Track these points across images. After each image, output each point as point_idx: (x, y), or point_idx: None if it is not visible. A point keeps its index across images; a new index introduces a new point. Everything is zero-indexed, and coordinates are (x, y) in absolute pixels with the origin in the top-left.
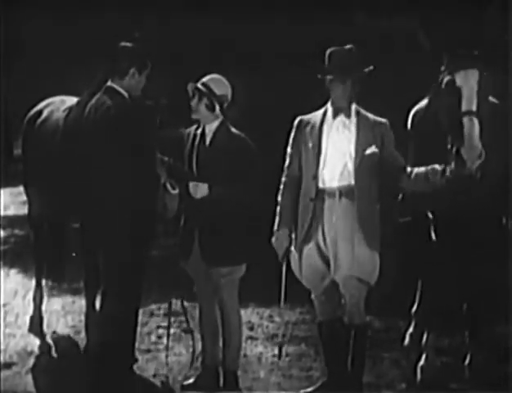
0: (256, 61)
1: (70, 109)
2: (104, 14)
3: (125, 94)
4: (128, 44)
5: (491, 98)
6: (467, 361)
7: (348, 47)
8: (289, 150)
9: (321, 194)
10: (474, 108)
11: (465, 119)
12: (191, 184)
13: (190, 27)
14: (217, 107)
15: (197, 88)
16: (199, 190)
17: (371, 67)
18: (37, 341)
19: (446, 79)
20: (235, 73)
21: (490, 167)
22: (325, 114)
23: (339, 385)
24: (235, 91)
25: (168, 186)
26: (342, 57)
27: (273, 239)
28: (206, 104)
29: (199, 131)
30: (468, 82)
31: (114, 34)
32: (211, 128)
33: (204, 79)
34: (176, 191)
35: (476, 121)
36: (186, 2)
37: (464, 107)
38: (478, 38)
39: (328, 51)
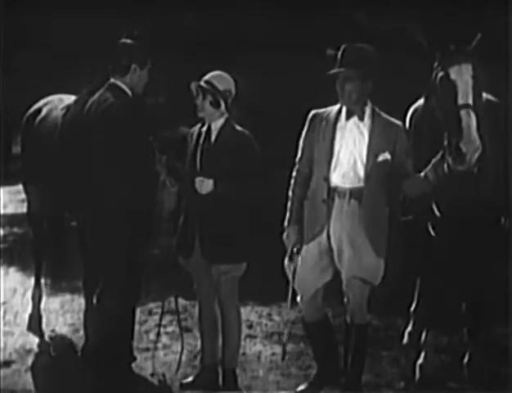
0: (258, 59)
1: (68, 107)
2: (104, 11)
3: (128, 91)
4: (128, 40)
5: (487, 95)
6: (466, 360)
7: (360, 44)
8: (301, 144)
9: (331, 193)
10: (471, 101)
11: (463, 113)
12: (197, 180)
13: (191, 24)
14: (222, 103)
15: (200, 86)
16: (205, 186)
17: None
18: (36, 340)
19: (440, 74)
20: (238, 70)
21: (488, 164)
22: (339, 112)
23: (331, 382)
24: (239, 89)
25: (168, 183)
26: (354, 54)
27: (284, 235)
28: (211, 101)
29: (204, 129)
30: (462, 76)
31: (114, 32)
32: (216, 125)
33: (207, 77)
34: (174, 189)
35: (473, 114)
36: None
37: (460, 101)
38: (477, 36)
39: (341, 48)
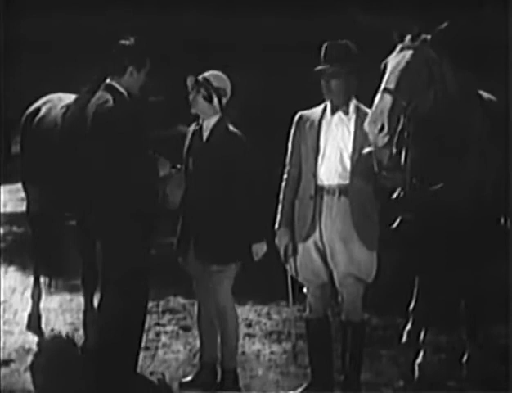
0: (255, 58)
1: (68, 106)
2: (103, 11)
3: (124, 92)
4: (126, 42)
5: (488, 95)
6: (465, 359)
7: (343, 41)
8: (289, 146)
9: (319, 191)
10: (392, 86)
11: (378, 96)
12: (254, 246)
13: (189, 25)
14: (216, 100)
15: (196, 81)
16: (260, 249)
17: (366, 61)
18: (35, 339)
19: (384, 61)
20: (235, 70)
21: (488, 164)
22: (324, 110)
23: (326, 384)
24: (236, 89)
25: (173, 172)
26: (338, 50)
27: (276, 239)
28: (204, 95)
29: (197, 128)
30: (395, 61)
31: (113, 32)
32: (209, 124)
33: (204, 74)
34: (181, 181)
35: (388, 98)
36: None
37: (382, 84)
38: (474, 37)
39: (324, 45)
